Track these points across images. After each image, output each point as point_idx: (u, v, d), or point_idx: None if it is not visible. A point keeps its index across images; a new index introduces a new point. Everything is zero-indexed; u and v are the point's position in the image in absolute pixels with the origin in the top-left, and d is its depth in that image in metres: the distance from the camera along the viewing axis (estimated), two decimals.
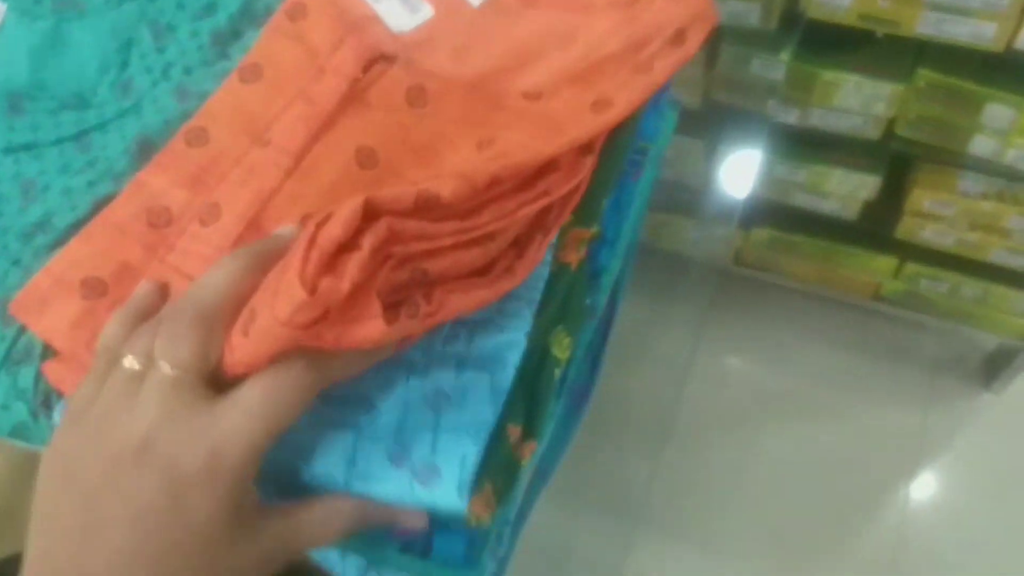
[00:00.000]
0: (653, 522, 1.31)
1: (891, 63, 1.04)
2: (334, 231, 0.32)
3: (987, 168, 1.08)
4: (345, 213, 0.32)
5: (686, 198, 1.30)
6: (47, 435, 0.46)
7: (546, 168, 0.42)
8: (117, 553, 0.31)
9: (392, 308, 0.34)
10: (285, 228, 0.36)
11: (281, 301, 0.31)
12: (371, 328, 0.32)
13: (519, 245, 0.42)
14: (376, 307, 0.32)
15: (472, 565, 0.42)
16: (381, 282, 0.33)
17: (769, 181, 1.22)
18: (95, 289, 0.42)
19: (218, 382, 0.33)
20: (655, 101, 0.58)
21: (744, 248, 1.36)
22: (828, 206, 1.23)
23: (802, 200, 1.24)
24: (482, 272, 0.40)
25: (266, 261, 0.34)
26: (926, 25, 0.95)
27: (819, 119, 1.11)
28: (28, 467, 0.74)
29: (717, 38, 1.14)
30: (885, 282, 1.30)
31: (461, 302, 0.37)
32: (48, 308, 0.43)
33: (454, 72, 0.48)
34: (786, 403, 1.42)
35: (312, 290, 0.30)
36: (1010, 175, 1.08)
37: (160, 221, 0.44)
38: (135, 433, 0.31)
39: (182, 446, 0.31)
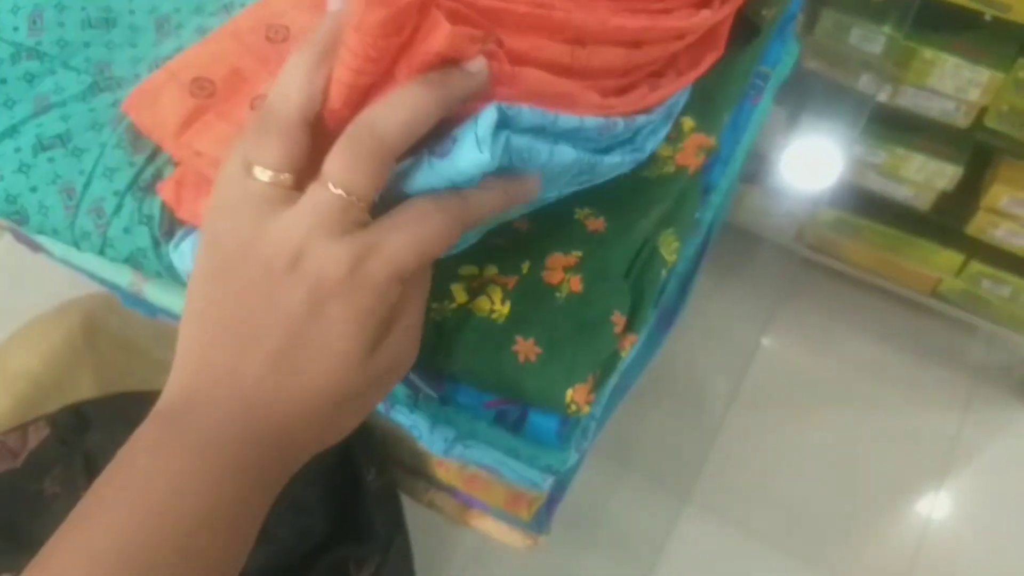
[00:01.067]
0: (698, 498, 1.30)
1: (994, 49, 1.02)
2: None
3: None
4: None
5: (760, 168, 1.28)
6: (159, 267, 0.45)
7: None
8: (262, 355, 0.31)
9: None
10: (477, 63, 0.34)
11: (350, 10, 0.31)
12: (438, 34, 0.32)
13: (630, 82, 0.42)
14: (439, 16, 0.32)
15: (563, 446, 0.42)
16: (462, 28, 0.33)
17: (846, 160, 1.20)
18: (204, 89, 0.42)
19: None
20: (781, 28, 0.58)
21: (808, 227, 1.34)
22: (902, 193, 1.21)
23: (876, 183, 1.22)
24: (571, 74, 0.39)
25: (454, 99, 0.33)
26: None
27: (910, 99, 1.09)
28: (79, 340, 0.75)
29: (819, 1, 1.12)
30: (946, 278, 1.28)
31: (539, 80, 0.36)
32: (158, 103, 0.43)
33: None
34: (830, 392, 1.40)
35: None
36: None
37: (277, 37, 0.44)
38: (290, 244, 0.31)
39: (331, 259, 0.31)
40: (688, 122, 0.47)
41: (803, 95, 1.19)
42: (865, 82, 1.09)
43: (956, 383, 1.40)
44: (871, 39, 1.04)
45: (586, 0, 0.38)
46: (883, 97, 1.10)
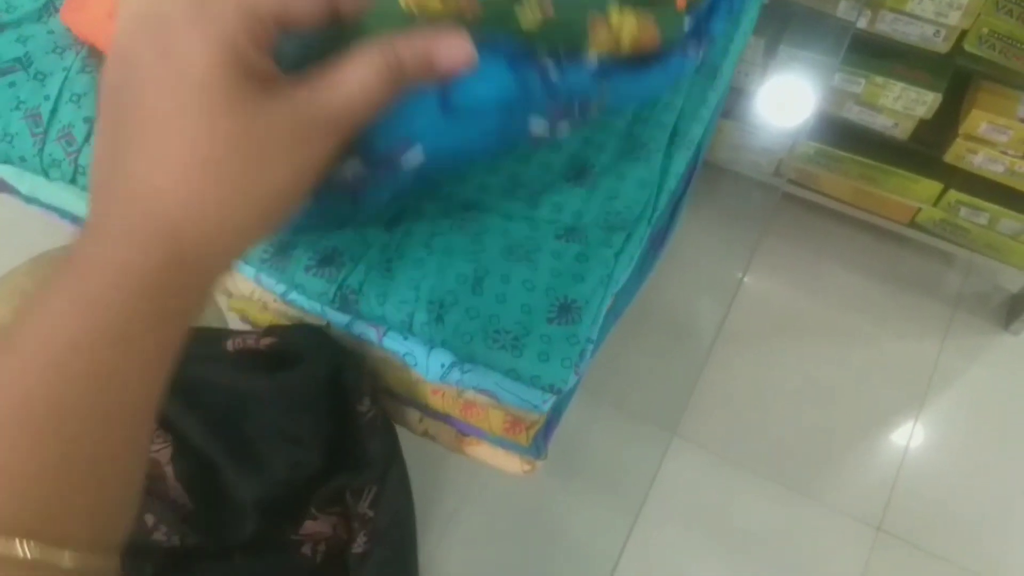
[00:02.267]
0: (684, 430, 1.32)
1: None
2: None
3: None
4: None
5: (737, 102, 1.27)
6: None
7: None
8: (131, 143, 0.29)
9: None
10: None
11: None
12: None
13: None
14: None
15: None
16: None
17: (825, 90, 1.19)
18: None
19: None
20: None
21: (787, 161, 1.33)
22: (880, 122, 1.21)
23: (855, 114, 1.21)
24: None
25: None
26: None
27: (889, 25, 1.08)
28: None
29: None
30: (925, 208, 1.29)
31: None
32: (85, 4, 0.43)
33: None
34: (813, 325, 1.42)
35: None
36: None
37: None
38: (142, 4, 0.30)
39: (174, 6, 0.29)
40: None
41: (781, 24, 1.17)
42: (844, 8, 1.07)
43: (935, 311, 1.42)
44: None
45: None
46: (862, 24, 1.08)
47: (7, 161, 0.43)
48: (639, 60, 0.40)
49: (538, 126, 0.39)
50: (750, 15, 0.54)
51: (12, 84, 0.42)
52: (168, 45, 0.29)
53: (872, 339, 1.40)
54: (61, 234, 0.60)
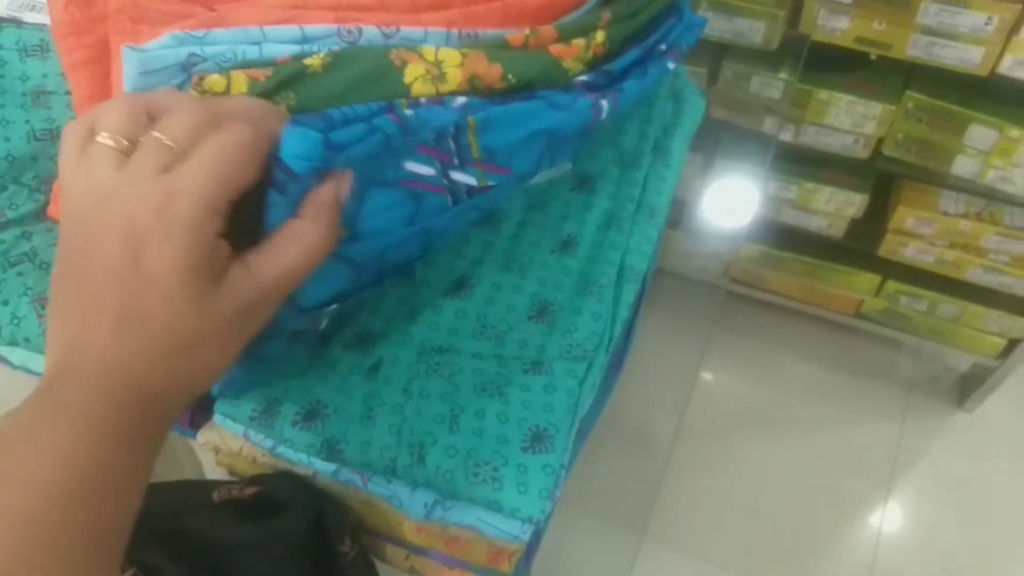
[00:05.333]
0: (654, 532, 1.33)
1: (882, 85, 1.11)
2: None
3: (968, 188, 1.15)
4: None
5: (682, 213, 1.34)
6: None
7: None
8: (97, 315, 0.32)
9: None
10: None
11: None
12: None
13: None
14: None
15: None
16: None
17: (761, 197, 1.28)
18: None
19: None
20: (690, 27, 0.57)
21: (734, 263, 1.40)
22: (816, 223, 1.29)
23: (791, 217, 1.29)
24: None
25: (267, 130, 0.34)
26: (916, 48, 1.01)
27: (812, 137, 1.17)
28: None
29: (719, 56, 1.20)
30: (867, 299, 1.36)
31: (252, 15, 0.37)
32: None
33: None
34: (772, 416, 1.46)
35: None
36: (989, 195, 1.14)
37: None
38: (104, 192, 0.32)
39: (139, 203, 0.31)
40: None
41: (714, 142, 1.26)
42: (769, 125, 1.16)
43: (890, 396, 1.48)
44: (770, 85, 1.12)
45: None
46: (788, 137, 1.18)
47: (12, 343, 0.46)
48: (514, 96, 0.41)
49: (423, 170, 0.39)
50: (679, 155, 0.60)
51: (20, 273, 0.46)
52: (137, 251, 0.31)
53: (833, 427, 1.44)
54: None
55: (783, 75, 1.11)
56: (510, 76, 0.40)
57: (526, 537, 0.48)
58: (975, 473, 1.39)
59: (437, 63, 0.38)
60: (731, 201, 1.29)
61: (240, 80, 0.35)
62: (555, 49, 0.42)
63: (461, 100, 0.38)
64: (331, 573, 0.55)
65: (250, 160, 0.33)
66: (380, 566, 0.62)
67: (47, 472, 0.30)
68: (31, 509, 0.30)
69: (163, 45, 0.36)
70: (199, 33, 0.36)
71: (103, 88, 0.40)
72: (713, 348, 1.54)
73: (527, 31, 0.42)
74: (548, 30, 0.42)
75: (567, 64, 0.42)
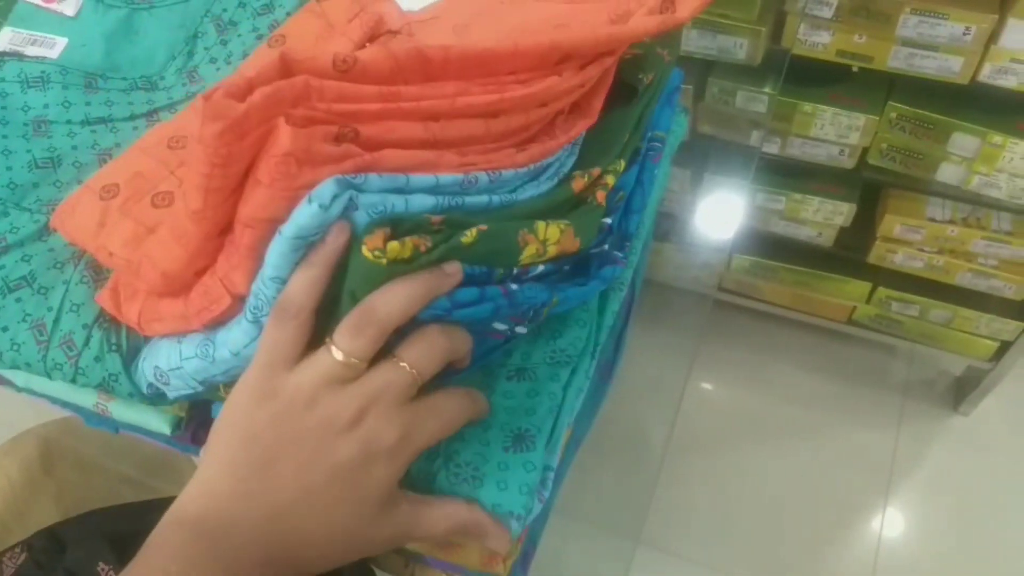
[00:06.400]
0: (650, 540, 1.35)
1: (865, 96, 1.13)
2: (248, 72, 0.37)
3: (953, 194, 1.17)
4: (263, 63, 0.38)
5: (673, 227, 1.36)
6: (131, 389, 0.48)
7: (495, 68, 0.45)
8: (303, 491, 0.37)
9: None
10: (452, 265, 0.40)
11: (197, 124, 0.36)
12: (282, 136, 0.37)
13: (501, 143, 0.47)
14: (281, 121, 0.37)
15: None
16: (310, 129, 0.38)
17: (751, 209, 1.30)
18: (110, 192, 0.48)
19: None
20: (668, 97, 0.64)
21: (726, 274, 1.42)
22: (805, 233, 1.31)
23: (781, 228, 1.31)
24: (428, 145, 0.43)
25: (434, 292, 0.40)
26: (897, 60, 1.04)
27: (798, 149, 1.19)
28: (37, 470, 0.76)
29: (705, 72, 1.22)
30: (859, 306, 1.37)
31: (397, 157, 0.41)
32: (76, 213, 0.48)
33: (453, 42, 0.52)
34: (768, 424, 1.47)
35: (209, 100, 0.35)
36: (975, 200, 1.16)
37: (178, 145, 0.50)
38: (354, 404, 0.37)
39: (387, 424, 0.38)
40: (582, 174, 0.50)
41: (702, 157, 1.28)
42: (755, 138, 1.19)
43: (886, 401, 1.49)
44: (755, 100, 1.15)
45: (436, 84, 0.43)
46: (775, 150, 1.20)
47: (14, 366, 0.47)
48: (582, 272, 0.48)
49: (499, 327, 0.46)
50: (659, 186, 0.62)
51: (19, 299, 0.47)
52: (369, 463, 0.37)
53: (829, 433, 1.46)
54: (41, 411, 0.63)
55: (768, 89, 1.14)
56: (583, 247, 0.47)
57: (516, 534, 0.49)
58: (973, 475, 1.40)
59: (544, 241, 0.44)
60: (720, 213, 1.31)
61: (408, 247, 0.38)
62: (600, 195, 0.49)
63: (540, 269, 0.45)
64: None
65: (465, 421, 0.42)
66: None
67: None
68: None
69: (334, 195, 0.38)
70: (358, 180, 0.39)
71: (230, 205, 0.40)
72: (707, 357, 1.56)
73: (584, 176, 0.48)
74: (596, 172, 0.49)
75: (602, 208, 0.49)
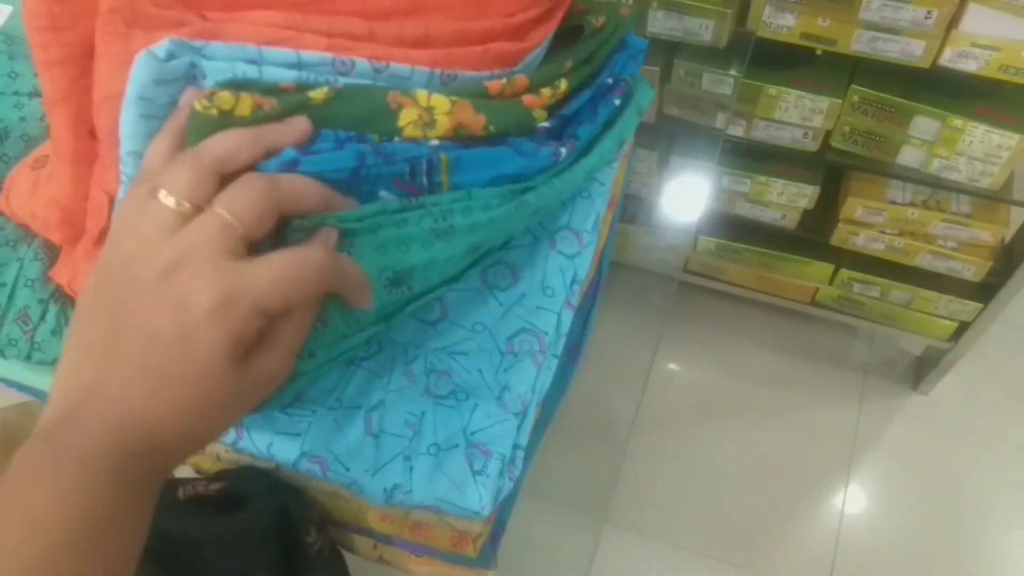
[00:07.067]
0: (617, 518, 1.36)
1: (829, 80, 1.14)
2: None
3: (914, 177, 1.18)
4: None
5: (640, 209, 1.37)
6: None
7: None
8: (130, 370, 0.33)
9: None
10: (299, 120, 0.37)
11: None
12: None
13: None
14: None
15: None
16: None
17: (716, 192, 1.31)
18: (40, 162, 0.48)
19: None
20: (633, 55, 0.60)
21: (692, 256, 1.43)
22: (770, 215, 1.32)
23: (746, 210, 1.32)
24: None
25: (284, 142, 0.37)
26: (860, 43, 1.05)
27: (763, 131, 1.20)
28: None
29: (671, 54, 1.22)
30: (821, 287, 1.39)
31: (248, 31, 0.39)
32: (14, 187, 0.48)
33: None
34: (732, 403, 1.49)
35: None
36: (935, 183, 1.18)
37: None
38: (163, 259, 0.33)
39: (200, 284, 0.32)
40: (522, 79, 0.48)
41: (669, 139, 1.29)
42: (721, 121, 1.19)
43: (847, 380, 1.52)
44: (721, 82, 1.15)
45: None
46: (739, 132, 1.21)
47: None
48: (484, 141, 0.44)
49: (385, 196, 0.41)
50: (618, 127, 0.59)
51: None
52: (188, 329, 0.32)
53: (791, 412, 1.48)
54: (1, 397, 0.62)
55: (733, 72, 1.14)
56: (491, 127, 0.43)
57: (485, 513, 0.49)
58: (932, 452, 1.44)
59: (429, 109, 0.40)
60: (686, 196, 1.31)
61: (247, 103, 0.36)
62: (527, 99, 0.45)
63: (435, 141, 0.41)
64: (298, 565, 0.56)
65: (313, 285, 0.35)
66: (350, 558, 0.63)
67: (54, 517, 0.31)
68: (39, 554, 0.30)
69: (171, 53, 0.36)
70: (198, 43, 0.37)
71: (80, 88, 0.39)
72: (672, 338, 1.57)
73: (504, 79, 0.45)
74: (521, 80, 0.45)
75: (536, 113, 0.46)
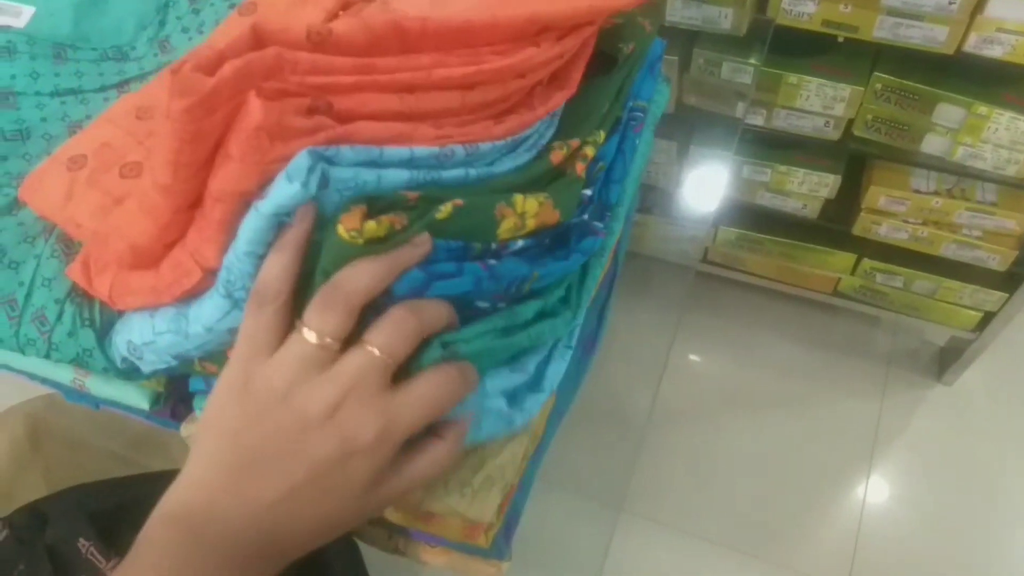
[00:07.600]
0: (633, 507, 1.36)
1: (851, 67, 1.13)
2: (218, 44, 0.36)
3: (938, 166, 1.17)
4: (234, 34, 0.37)
5: (659, 199, 1.36)
6: (105, 363, 0.48)
7: (473, 40, 0.45)
8: (288, 488, 0.37)
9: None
10: (421, 237, 0.39)
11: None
12: (252, 110, 0.36)
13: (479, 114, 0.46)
14: (251, 95, 0.36)
15: None
16: (281, 102, 0.37)
17: (736, 182, 1.29)
18: (77, 163, 0.47)
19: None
20: (651, 67, 0.63)
21: (712, 247, 1.42)
22: (791, 205, 1.31)
23: (767, 200, 1.31)
24: (403, 117, 0.42)
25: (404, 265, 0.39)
26: (883, 30, 1.03)
27: (784, 120, 1.18)
28: (25, 447, 0.75)
29: (690, 43, 1.21)
30: (843, 278, 1.38)
31: (371, 129, 0.40)
32: (43, 184, 0.48)
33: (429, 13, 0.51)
34: (752, 395, 1.48)
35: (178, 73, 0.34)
36: (960, 172, 1.16)
37: (146, 115, 0.49)
38: (326, 396, 0.37)
39: (365, 420, 0.37)
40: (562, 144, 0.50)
41: (688, 129, 1.28)
42: (740, 110, 1.18)
43: (870, 371, 1.50)
44: (740, 71, 1.14)
45: (412, 56, 0.42)
46: (760, 121, 1.19)
47: None
48: (562, 245, 0.47)
49: (481, 306, 0.45)
50: (640, 156, 0.61)
51: None
52: (347, 458, 0.37)
53: (813, 403, 1.47)
54: (27, 387, 0.63)
55: (753, 60, 1.13)
56: (562, 220, 0.46)
57: None
58: (956, 445, 1.42)
59: (522, 215, 0.43)
60: (705, 185, 1.30)
61: (384, 225, 0.38)
62: (579, 167, 0.48)
63: (520, 243, 0.44)
64: (314, 555, 0.56)
65: (453, 403, 0.39)
66: (365, 550, 0.64)
67: None
68: None
69: (305, 180, 0.37)
70: (330, 152, 0.38)
71: (190, 178, 0.39)
72: (690, 329, 1.56)
73: (564, 149, 0.47)
74: (575, 143, 0.48)
75: (582, 180, 0.49)
